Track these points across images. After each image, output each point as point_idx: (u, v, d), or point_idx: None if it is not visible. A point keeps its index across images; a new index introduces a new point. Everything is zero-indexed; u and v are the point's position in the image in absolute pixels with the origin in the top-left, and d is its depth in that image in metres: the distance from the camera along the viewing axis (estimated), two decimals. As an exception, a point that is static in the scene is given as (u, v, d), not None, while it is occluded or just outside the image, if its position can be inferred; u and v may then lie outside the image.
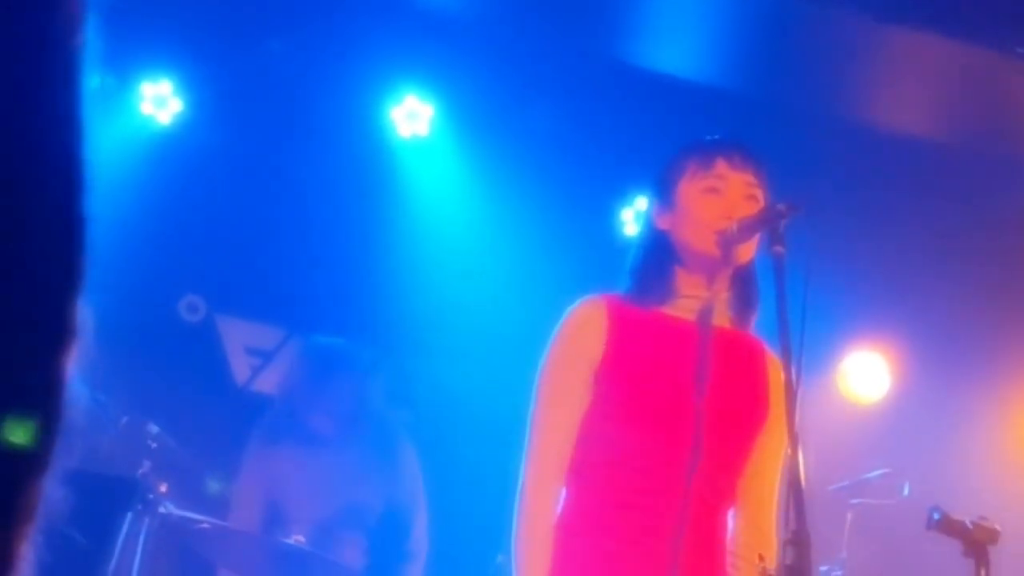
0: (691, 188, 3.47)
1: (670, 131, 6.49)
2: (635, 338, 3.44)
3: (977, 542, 3.12)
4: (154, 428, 5.47)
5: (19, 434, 0.97)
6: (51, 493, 0.95)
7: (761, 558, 3.05)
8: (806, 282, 3.02)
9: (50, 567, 1.27)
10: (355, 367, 6.20)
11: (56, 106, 0.97)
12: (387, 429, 6.28)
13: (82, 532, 5.12)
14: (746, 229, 3.34)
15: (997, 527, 3.17)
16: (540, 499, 3.40)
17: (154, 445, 5.45)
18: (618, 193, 7.32)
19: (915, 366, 7.46)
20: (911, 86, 6.49)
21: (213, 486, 5.98)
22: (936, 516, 3.13)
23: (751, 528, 3.47)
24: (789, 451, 2.95)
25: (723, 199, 3.42)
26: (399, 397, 7.66)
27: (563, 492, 3.44)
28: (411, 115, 7.16)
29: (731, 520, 3.50)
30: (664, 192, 3.54)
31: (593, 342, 3.43)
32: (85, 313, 0.98)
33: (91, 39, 1.00)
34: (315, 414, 6.01)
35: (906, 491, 6.48)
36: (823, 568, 6.67)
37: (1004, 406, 7.38)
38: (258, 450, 6.14)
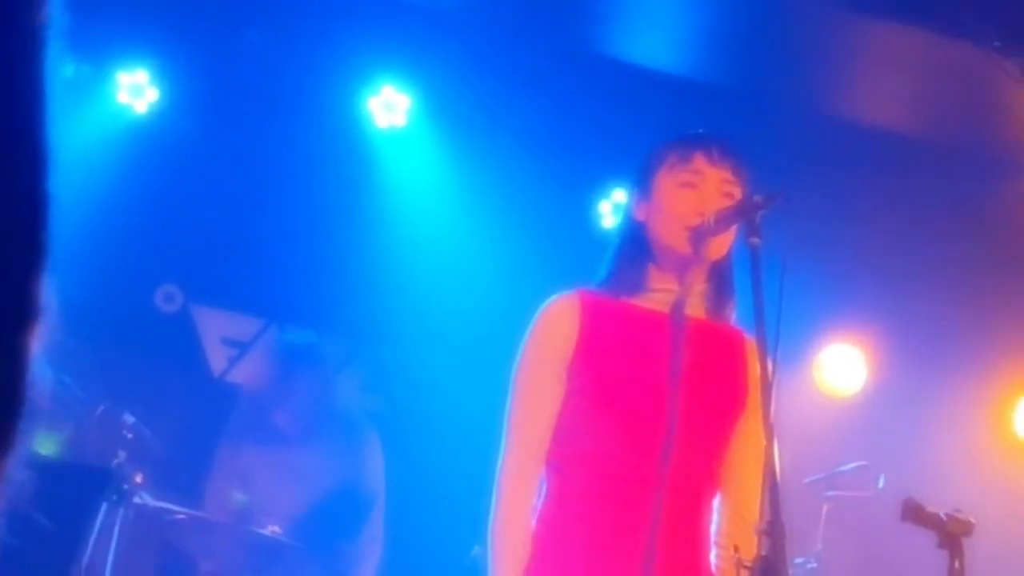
0: (668, 181, 3.48)
1: (648, 124, 6.50)
2: (608, 331, 3.45)
3: (951, 534, 3.13)
4: (130, 418, 5.46)
5: None
6: (17, 477, 0.94)
7: (736, 549, 3.05)
8: (782, 274, 3.02)
9: (24, 556, 1.26)
10: (321, 365, 6.22)
11: (18, 82, 0.96)
12: (352, 425, 6.30)
13: (57, 522, 5.10)
14: (723, 221, 3.35)
15: (971, 519, 3.18)
16: (517, 493, 3.41)
17: (130, 435, 5.43)
18: (596, 185, 7.32)
19: (892, 359, 7.48)
20: (889, 80, 6.50)
21: (238, 497, 5.99)
22: (910, 508, 3.14)
23: (735, 518, 3.48)
24: (764, 442, 2.95)
25: (697, 194, 3.43)
26: (374, 389, 7.67)
27: (541, 485, 3.45)
28: (388, 105, 7.15)
29: (715, 511, 3.51)
30: (643, 183, 3.55)
31: (566, 337, 3.44)
32: (50, 293, 0.97)
33: (58, 16, 0.98)
34: (279, 412, 6.04)
35: (881, 483, 6.50)
36: (798, 560, 6.69)
37: (979, 399, 7.40)
38: (227, 446, 6.18)
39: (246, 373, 7.13)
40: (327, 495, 6.11)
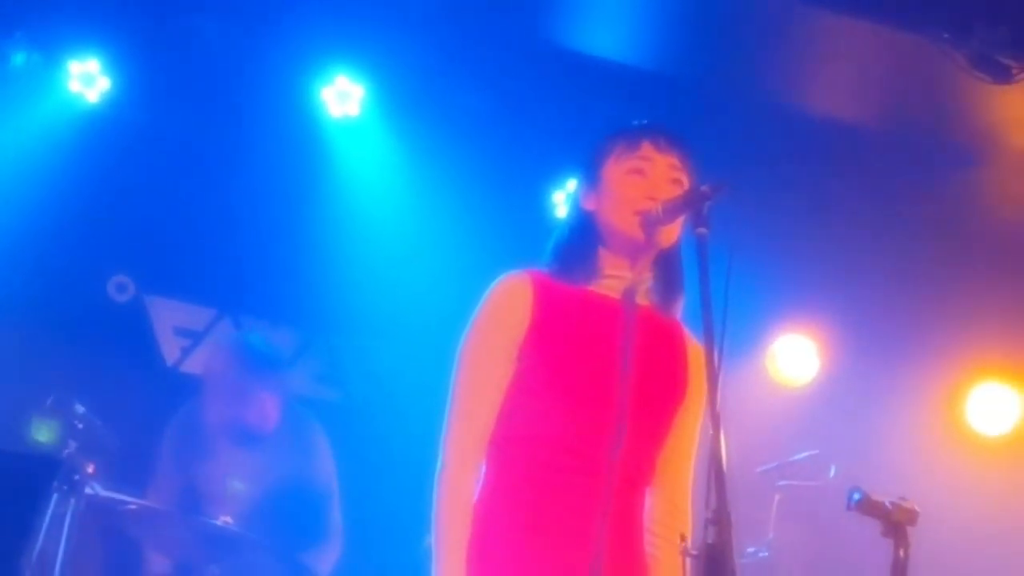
0: (616, 169, 3.49)
1: (600, 113, 6.52)
2: (560, 313, 3.43)
3: (896, 522, 3.15)
4: (80, 408, 5.42)
5: None
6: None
7: (683, 538, 3.06)
8: (728, 264, 3.03)
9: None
10: (273, 370, 6.20)
11: None
12: (299, 421, 6.30)
13: (6, 512, 5.06)
14: (670, 211, 3.35)
15: (916, 508, 3.20)
16: (459, 475, 3.38)
17: (80, 425, 5.40)
18: (549, 175, 7.33)
19: (844, 350, 7.53)
20: (839, 70, 6.52)
21: (236, 485, 6.00)
22: (856, 497, 3.16)
23: (667, 505, 3.49)
24: (711, 432, 2.95)
25: (647, 180, 3.44)
26: (329, 378, 7.67)
27: (483, 468, 3.43)
28: (341, 95, 7.13)
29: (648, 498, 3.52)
30: (590, 173, 3.55)
31: (518, 315, 3.42)
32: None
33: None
34: (237, 417, 6.04)
35: (832, 473, 6.53)
36: (750, 549, 6.72)
37: (931, 389, 7.45)
38: (175, 436, 6.16)
39: (200, 362, 7.10)
40: (276, 492, 6.11)
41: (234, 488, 6.05)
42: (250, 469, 6.10)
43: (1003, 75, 5.87)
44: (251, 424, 6.08)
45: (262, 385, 6.09)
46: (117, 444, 5.59)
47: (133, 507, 5.57)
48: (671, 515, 3.46)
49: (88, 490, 5.26)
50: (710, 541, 2.83)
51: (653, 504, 3.49)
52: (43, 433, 5.91)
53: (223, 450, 6.11)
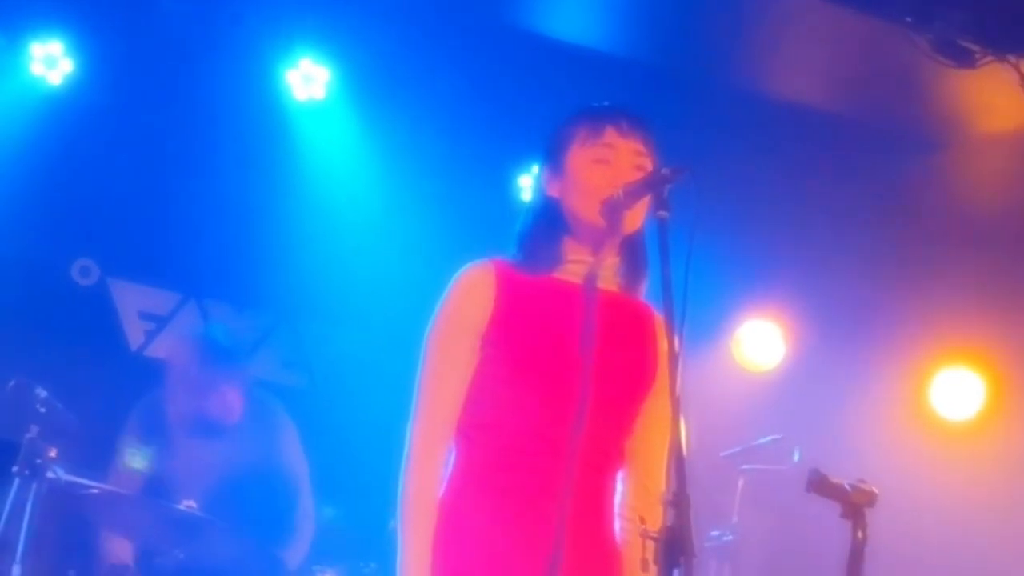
0: (580, 157, 3.47)
1: (567, 98, 6.49)
2: (523, 301, 3.44)
3: (854, 504, 3.16)
4: (42, 392, 5.38)
5: None
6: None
7: (643, 520, 3.06)
8: (689, 248, 3.03)
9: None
10: (236, 363, 6.18)
11: None
12: (267, 408, 6.28)
13: (-34, 497, 5.05)
14: (632, 194, 3.34)
15: (875, 490, 3.20)
16: (426, 462, 3.39)
17: (43, 409, 5.36)
18: (515, 159, 7.33)
19: (809, 335, 7.55)
20: (803, 55, 6.53)
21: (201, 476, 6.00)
22: (815, 478, 3.16)
23: (638, 490, 3.49)
24: (672, 414, 2.95)
25: (611, 168, 3.42)
26: (294, 363, 7.65)
27: (450, 455, 3.44)
28: (306, 78, 7.11)
29: (620, 483, 3.52)
30: (554, 159, 3.54)
31: (481, 305, 3.42)
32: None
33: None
34: (194, 409, 6.02)
35: (796, 457, 6.55)
36: (714, 533, 6.75)
37: (895, 374, 7.47)
38: (138, 426, 6.13)
39: (165, 346, 7.08)
40: (241, 479, 6.09)
41: (199, 479, 6.03)
42: (215, 460, 6.08)
43: (966, 60, 5.89)
44: (214, 417, 6.06)
45: (224, 378, 6.07)
46: (80, 428, 5.56)
47: (96, 491, 5.54)
48: (642, 500, 3.45)
49: (50, 474, 5.23)
50: (669, 523, 2.84)
51: (625, 489, 3.49)
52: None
53: (187, 441, 6.09)
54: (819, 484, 3.15)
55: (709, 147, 6.41)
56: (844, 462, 3.62)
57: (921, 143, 7.01)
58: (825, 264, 7.29)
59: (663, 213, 3.16)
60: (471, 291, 3.45)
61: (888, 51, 6.12)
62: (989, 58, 5.90)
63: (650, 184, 3.28)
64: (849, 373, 7.37)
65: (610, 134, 3.46)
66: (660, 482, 2.88)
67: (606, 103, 3.58)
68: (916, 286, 7.26)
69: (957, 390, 7.37)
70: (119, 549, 6.02)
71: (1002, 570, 6.82)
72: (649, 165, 3.44)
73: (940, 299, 7.19)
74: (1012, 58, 5.89)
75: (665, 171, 3.23)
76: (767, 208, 7.21)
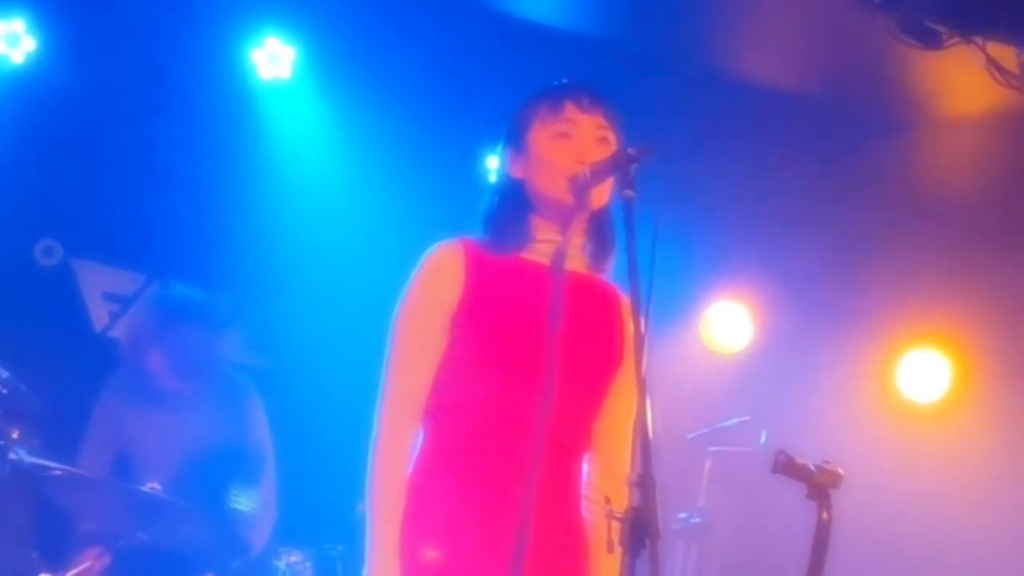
0: (542, 134, 3.47)
1: (535, 78, 6.47)
2: (491, 282, 3.43)
3: (819, 485, 3.16)
4: (3, 373, 5.35)
5: None
6: None
7: (608, 501, 3.05)
8: (656, 228, 3.01)
9: None
10: (204, 318, 6.14)
11: None
12: (234, 386, 6.25)
13: (-73, 479, 5.02)
14: (598, 173, 3.33)
15: (840, 471, 3.21)
16: (394, 444, 3.39)
17: (4, 390, 5.33)
18: (483, 139, 7.29)
19: (777, 317, 7.55)
20: (771, 34, 6.53)
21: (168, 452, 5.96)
22: (781, 459, 3.16)
23: (605, 472, 3.49)
24: (637, 395, 2.94)
25: (574, 143, 3.42)
26: (261, 345, 7.62)
27: (419, 436, 3.43)
28: (272, 57, 7.08)
29: (587, 465, 3.51)
30: (516, 140, 3.53)
31: (450, 285, 3.41)
32: None
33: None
34: (155, 360, 5.97)
35: (763, 439, 6.55)
36: (681, 515, 6.75)
37: (863, 356, 7.48)
38: (107, 403, 6.11)
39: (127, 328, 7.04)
40: (209, 457, 6.06)
41: (167, 455, 6.00)
42: (182, 436, 6.05)
43: (933, 41, 5.88)
44: (165, 374, 5.99)
45: (177, 331, 6.00)
46: (43, 410, 5.53)
47: (59, 473, 5.50)
48: (608, 480, 3.45)
49: (12, 456, 5.21)
50: (635, 504, 2.83)
51: (591, 471, 3.49)
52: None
53: (154, 417, 6.05)
54: (784, 465, 3.15)
55: (676, 127, 6.41)
56: (811, 444, 3.62)
57: (888, 124, 7.01)
58: (793, 246, 7.29)
59: (629, 193, 3.15)
60: (440, 270, 3.44)
61: (855, 32, 6.12)
62: (956, 39, 5.89)
63: (616, 163, 3.26)
64: (816, 356, 7.38)
65: (570, 109, 3.46)
66: (626, 463, 2.87)
67: (565, 80, 3.56)
68: (883, 268, 7.27)
69: (924, 372, 7.38)
70: (84, 531, 5.97)
71: (967, 550, 6.84)
72: (612, 138, 3.44)
73: (907, 281, 7.21)
74: (978, 39, 5.88)
75: (631, 151, 3.21)
76: (735, 189, 7.21)
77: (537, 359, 3.36)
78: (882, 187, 7.18)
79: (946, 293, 7.15)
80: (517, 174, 3.51)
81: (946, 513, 7.00)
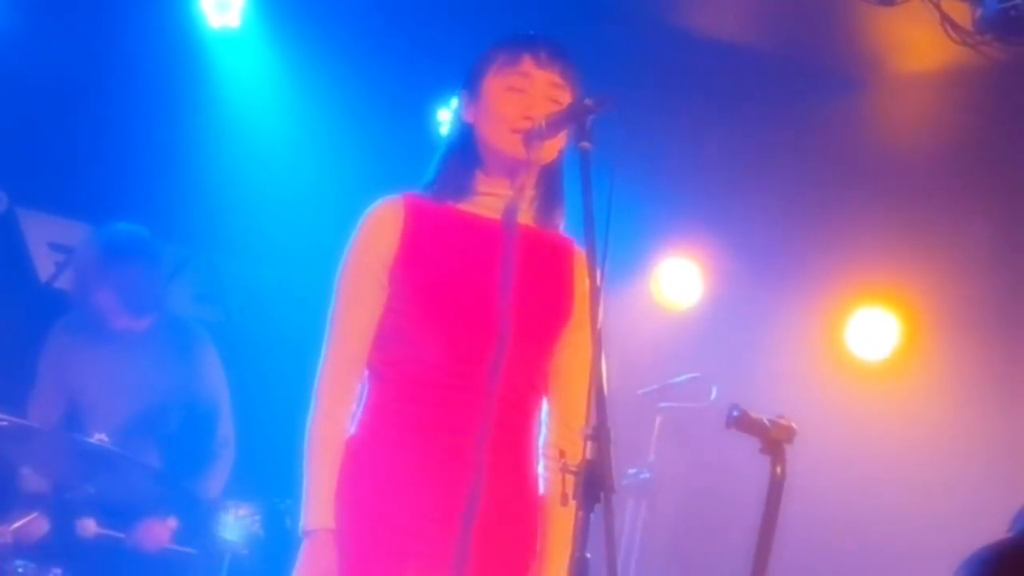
0: (495, 83, 3.46)
1: (488, 30, 6.42)
2: (432, 236, 3.43)
3: (774, 440, 3.16)
4: (-55, 323, 5.30)
5: None
6: None
7: (563, 454, 3.04)
8: (611, 181, 2.99)
9: None
10: (150, 253, 6.07)
11: None
12: (186, 331, 6.20)
13: None
14: (553, 124, 3.33)
15: (794, 425, 3.21)
16: (333, 398, 3.40)
17: (-53, 341, 5.28)
18: (434, 92, 7.25)
19: (727, 273, 7.55)
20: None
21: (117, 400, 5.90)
22: (735, 413, 3.15)
23: (561, 427, 3.48)
24: (592, 349, 2.93)
25: (525, 97, 3.41)
26: (208, 297, 7.57)
27: (364, 390, 3.42)
28: (221, 5, 7.00)
29: (542, 420, 3.51)
30: (471, 85, 3.52)
31: (387, 240, 3.42)
32: None
33: None
34: (106, 298, 5.90)
35: (713, 395, 6.57)
36: (631, 471, 6.76)
37: (812, 313, 7.50)
38: (55, 348, 6.05)
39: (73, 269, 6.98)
40: (161, 400, 6.02)
41: (118, 400, 5.95)
42: (132, 377, 6.00)
43: (887, -4, 5.89)
44: (128, 306, 5.94)
45: (121, 266, 5.94)
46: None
47: (4, 424, 5.44)
48: (563, 436, 3.45)
49: (-45, 406, 5.15)
50: (589, 457, 2.82)
51: (547, 425, 3.50)
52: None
53: (104, 358, 5.99)
54: (739, 420, 3.14)
55: (630, 81, 6.37)
56: (760, 401, 3.61)
57: (841, 81, 7.01)
58: (744, 203, 7.29)
59: (586, 144, 3.14)
60: (377, 227, 3.44)
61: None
62: (910, -5, 5.90)
63: (572, 114, 3.25)
64: (766, 312, 7.39)
65: (527, 63, 3.44)
66: (580, 416, 2.87)
67: (530, 32, 3.54)
68: (833, 225, 7.28)
69: (872, 329, 7.42)
70: (32, 483, 5.92)
71: (915, 504, 6.89)
72: (566, 98, 3.42)
73: (857, 239, 7.23)
74: (932, -5, 5.89)
75: (588, 101, 3.20)
76: (687, 145, 7.20)
77: (482, 313, 3.36)
78: (833, 144, 7.18)
79: (895, 251, 7.17)
80: (468, 118, 3.51)
81: (893, 469, 7.05)
